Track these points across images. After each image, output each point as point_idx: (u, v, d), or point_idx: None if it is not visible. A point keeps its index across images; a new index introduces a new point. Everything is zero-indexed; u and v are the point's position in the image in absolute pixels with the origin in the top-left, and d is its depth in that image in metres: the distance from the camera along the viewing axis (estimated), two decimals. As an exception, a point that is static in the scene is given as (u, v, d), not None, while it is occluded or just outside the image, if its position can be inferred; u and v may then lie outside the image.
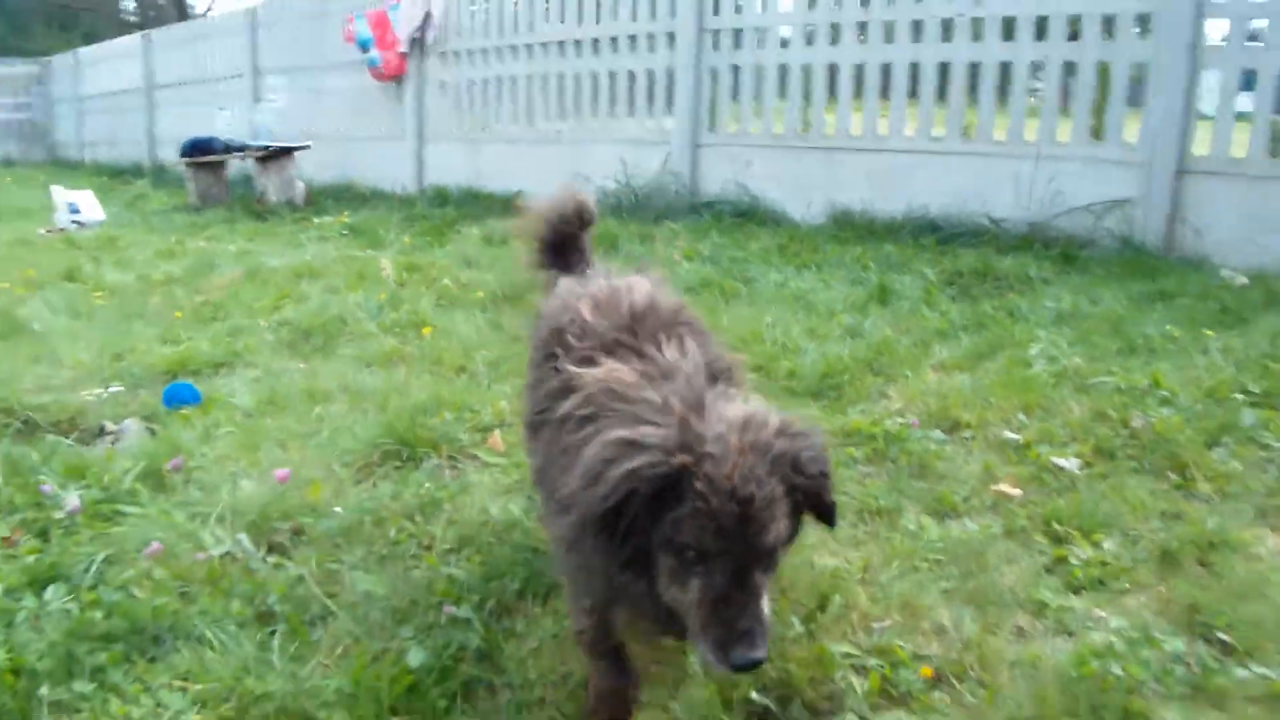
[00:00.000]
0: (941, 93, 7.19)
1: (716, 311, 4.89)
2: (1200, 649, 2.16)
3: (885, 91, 7.39)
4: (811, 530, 1.73)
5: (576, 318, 1.95)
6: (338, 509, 2.78)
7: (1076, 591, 2.45)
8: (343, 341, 4.75)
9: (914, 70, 7.25)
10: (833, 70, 7.67)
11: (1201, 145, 6.25)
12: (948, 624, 2.26)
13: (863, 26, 7.50)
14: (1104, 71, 6.62)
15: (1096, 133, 6.70)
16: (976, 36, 6.96)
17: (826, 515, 1.64)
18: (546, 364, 1.95)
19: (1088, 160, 6.49)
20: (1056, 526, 2.73)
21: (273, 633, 2.19)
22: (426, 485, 2.93)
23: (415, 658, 2.08)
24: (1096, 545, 2.63)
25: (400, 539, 2.65)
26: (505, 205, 8.78)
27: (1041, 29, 6.74)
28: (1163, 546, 2.60)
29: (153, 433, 3.51)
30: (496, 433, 3.39)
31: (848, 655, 2.12)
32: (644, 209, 8.12)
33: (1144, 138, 6.32)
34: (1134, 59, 6.45)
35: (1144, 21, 6.45)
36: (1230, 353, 4.14)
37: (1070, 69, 6.71)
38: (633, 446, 1.50)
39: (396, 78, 11.41)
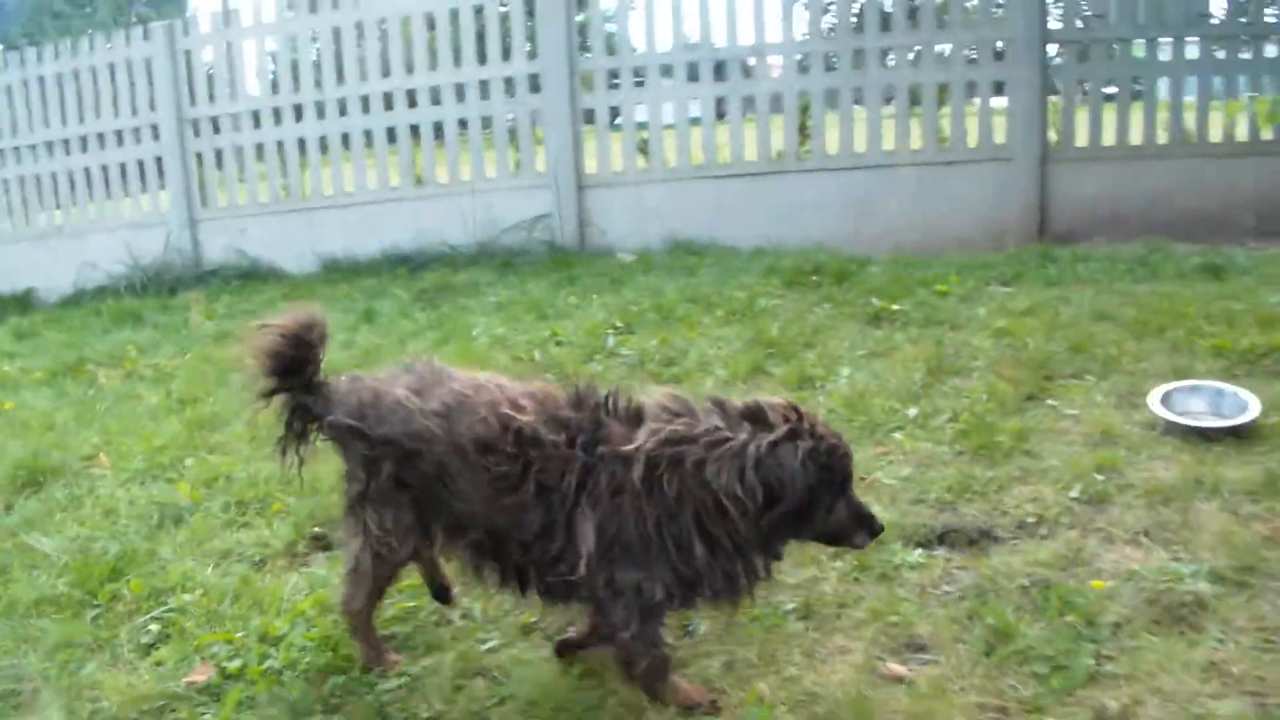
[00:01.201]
0: (411, 146, 8.71)
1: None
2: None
3: (356, 152, 8.76)
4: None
5: (522, 418, 2.27)
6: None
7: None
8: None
9: (368, 135, 8.69)
10: (303, 142, 8.86)
11: (592, 165, 8.29)
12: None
13: (321, 106, 8.77)
14: (515, 119, 8.51)
15: (516, 166, 8.55)
16: (412, 104, 8.54)
17: None
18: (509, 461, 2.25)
19: (512, 189, 8.33)
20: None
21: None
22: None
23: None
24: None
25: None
26: (20, 303, 9.06)
27: (461, 92, 8.45)
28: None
29: None
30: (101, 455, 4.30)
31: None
32: (157, 285, 8.75)
33: (549, 166, 8.24)
34: (531, 108, 8.38)
35: (535, 80, 8.36)
36: (607, 306, 5.99)
37: (487, 121, 8.51)
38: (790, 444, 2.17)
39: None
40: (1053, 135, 7.87)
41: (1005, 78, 7.64)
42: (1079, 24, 7.80)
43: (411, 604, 2.85)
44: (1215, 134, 7.46)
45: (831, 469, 2.20)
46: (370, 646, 2.57)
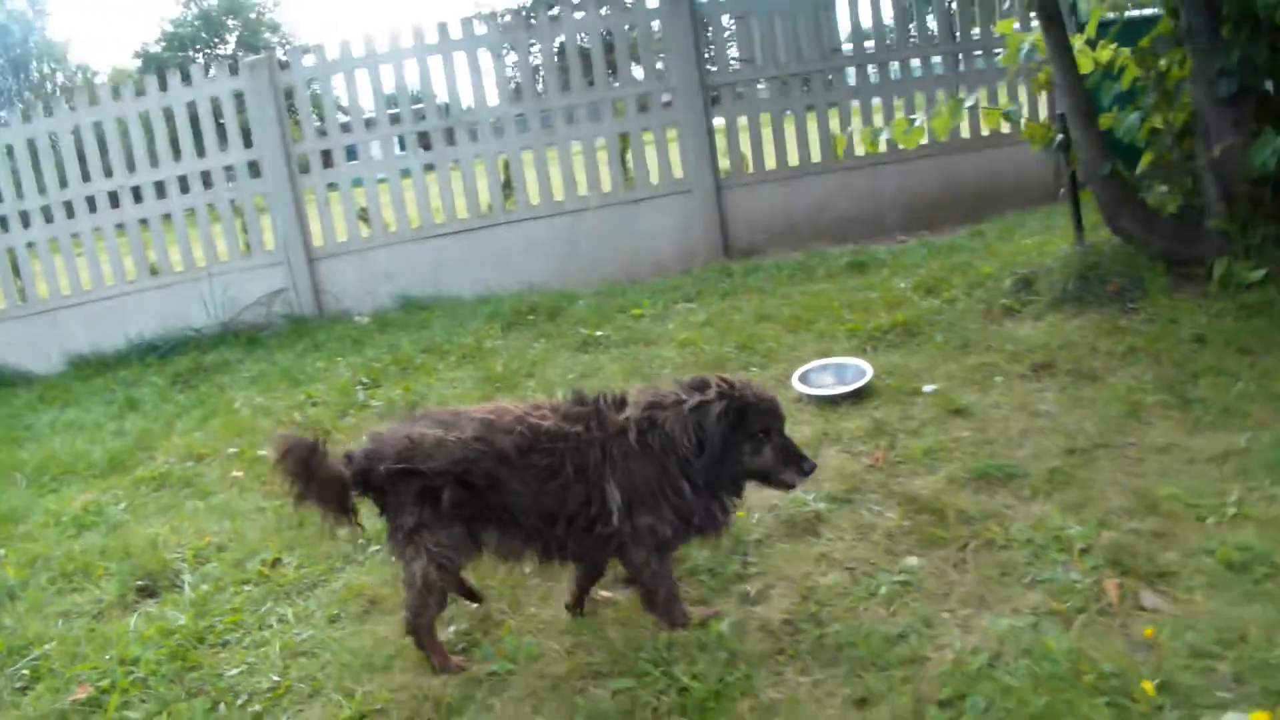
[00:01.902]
0: (142, 239, 9.14)
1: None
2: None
3: (89, 251, 9.13)
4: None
5: (546, 422, 2.96)
6: None
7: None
8: None
9: (99, 232, 9.08)
10: (33, 245, 9.07)
11: (319, 239, 9.10)
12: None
13: (47, 210, 9.06)
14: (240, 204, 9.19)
15: (247, 247, 9.22)
16: (138, 199, 9.04)
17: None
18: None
19: (247, 269, 9.02)
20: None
21: None
22: None
23: None
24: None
25: None
26: None
27: (185, 184, 9.04)
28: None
29: None
30: None
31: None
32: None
33: (278, 244, 8.99)
34: (254, 191, 9.10)
35: (255, 165, 9.07)
36: (352, 365, 6.89)
37: (215, 208, 9.14)
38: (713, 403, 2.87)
39: None
40: (725, 165, 9.40)
41: (675, 121, 9.09)
42: (734, 67, 9.43)
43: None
44: (859, 149, 8.94)
45: (746, 421, 2.89)
46: (437, 653, 3.09)
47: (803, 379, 5.08)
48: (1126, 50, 6.03)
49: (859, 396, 4.85)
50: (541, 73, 9.26)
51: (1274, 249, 5.18)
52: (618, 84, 9.53)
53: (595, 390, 3.12)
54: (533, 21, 9.82)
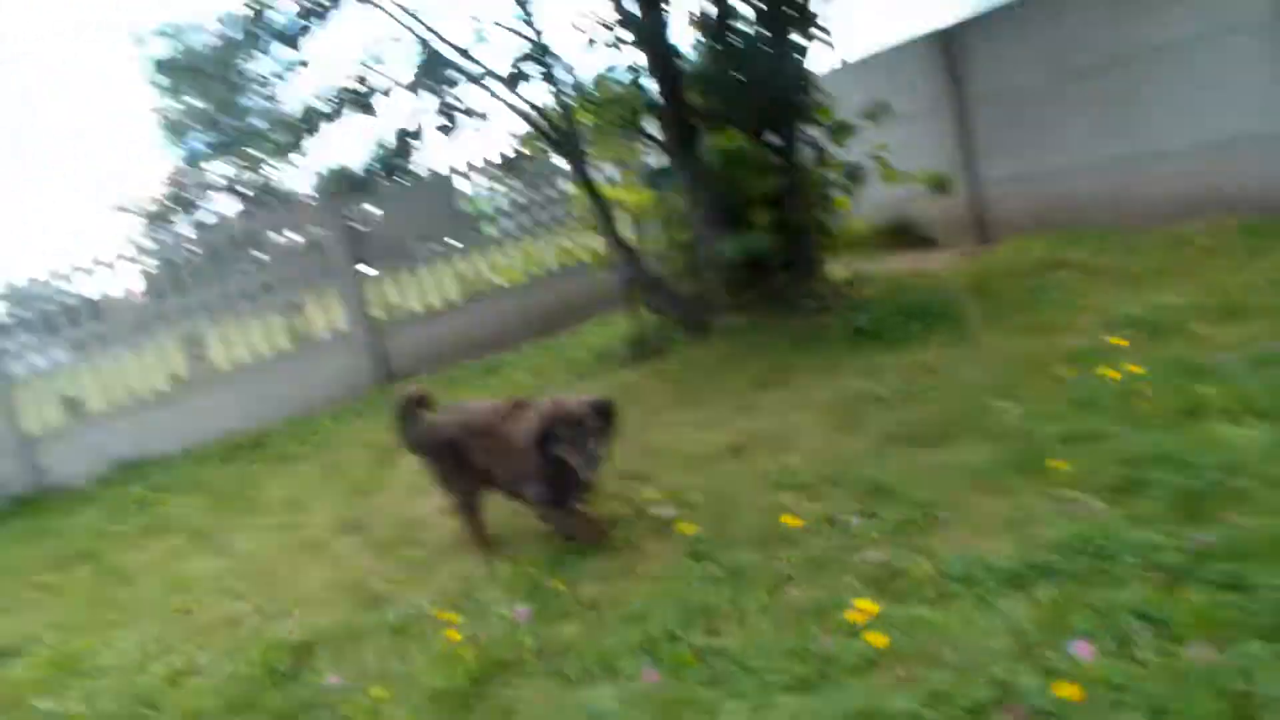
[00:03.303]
0: None
1: None
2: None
3: None
4: None
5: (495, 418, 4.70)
6: None
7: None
8: None
9: None
10: None
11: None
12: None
13: None
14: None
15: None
16: None
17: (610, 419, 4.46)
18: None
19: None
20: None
21: None
22: None
23: None
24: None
25: None
26: None
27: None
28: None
29: None
30: None
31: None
32: None
33: (-7, 434, 10.12)
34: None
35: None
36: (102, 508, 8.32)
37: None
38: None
39: None
40: (380, 313, 11.58)
41: (334, 288, 11.23)
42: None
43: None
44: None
45: (546, 433, 4.31)
46: (480, 538, 4.89)
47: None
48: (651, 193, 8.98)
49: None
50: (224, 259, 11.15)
51: (749, 306, 8.08)
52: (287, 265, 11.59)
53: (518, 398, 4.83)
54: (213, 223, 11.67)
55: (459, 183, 11.90)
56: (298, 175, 45.83)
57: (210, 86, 42.84)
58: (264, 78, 40.86)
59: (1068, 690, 2.63)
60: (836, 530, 4.08)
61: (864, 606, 3.31)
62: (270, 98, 43.89)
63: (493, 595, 4.29)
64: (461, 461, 4.84)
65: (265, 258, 11.77)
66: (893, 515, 4.05)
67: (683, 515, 4.61)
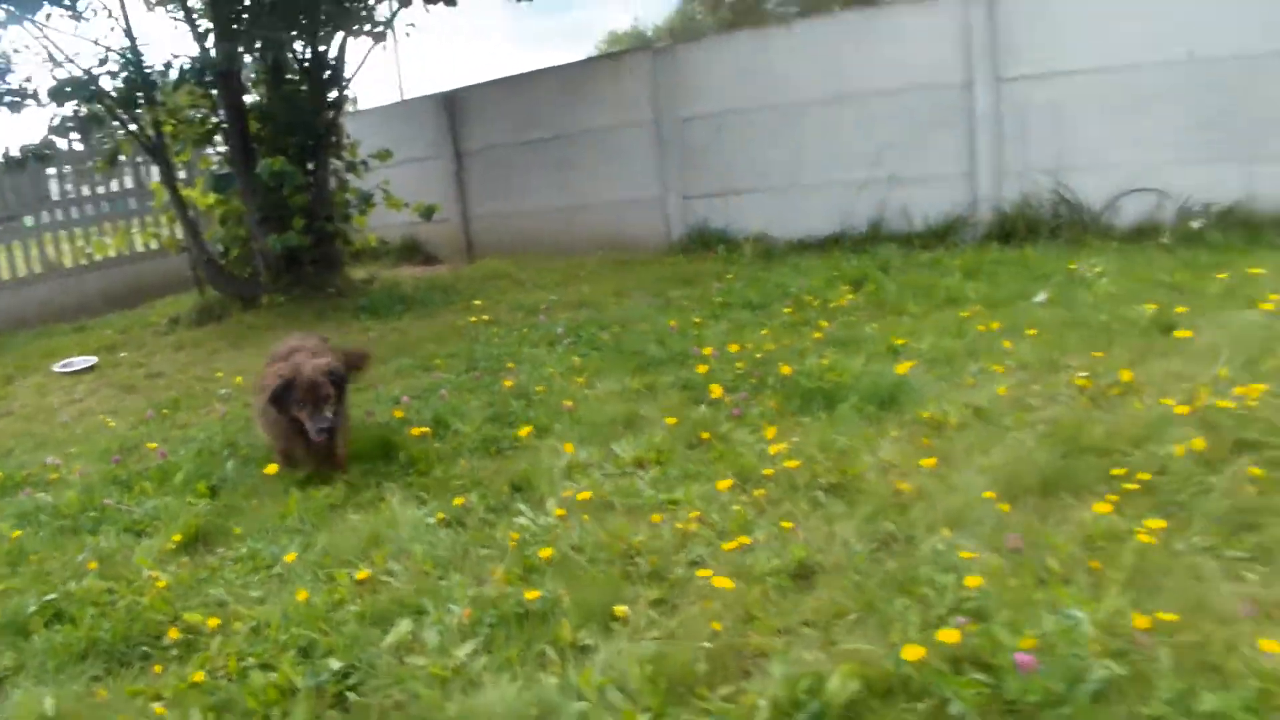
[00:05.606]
0: None
1: None
2: None
3: None
4: None
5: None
6: None
7: None
8: None
9: None
10: None
11: None
12: None
13: None
14: None
15: None
16: None
17: (341, 385, 4.97)
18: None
19: None
20: None
21: None
22: None
23: None
24: None
25: None
26: None
27: None
28: None
29: None
30: None
31: None
32: None
33: None
34: None
35: None
36: None
37: None
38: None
39: None
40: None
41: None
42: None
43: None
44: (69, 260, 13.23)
45: (277, 395, 4.85)
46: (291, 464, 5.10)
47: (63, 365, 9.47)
48: (216, 195, 11.55)
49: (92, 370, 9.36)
50: None
51: (287, 289, 10.90)
52: None
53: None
54: None
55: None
56: None
57: None
58: None
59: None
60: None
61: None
62: None
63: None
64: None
65: None
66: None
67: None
